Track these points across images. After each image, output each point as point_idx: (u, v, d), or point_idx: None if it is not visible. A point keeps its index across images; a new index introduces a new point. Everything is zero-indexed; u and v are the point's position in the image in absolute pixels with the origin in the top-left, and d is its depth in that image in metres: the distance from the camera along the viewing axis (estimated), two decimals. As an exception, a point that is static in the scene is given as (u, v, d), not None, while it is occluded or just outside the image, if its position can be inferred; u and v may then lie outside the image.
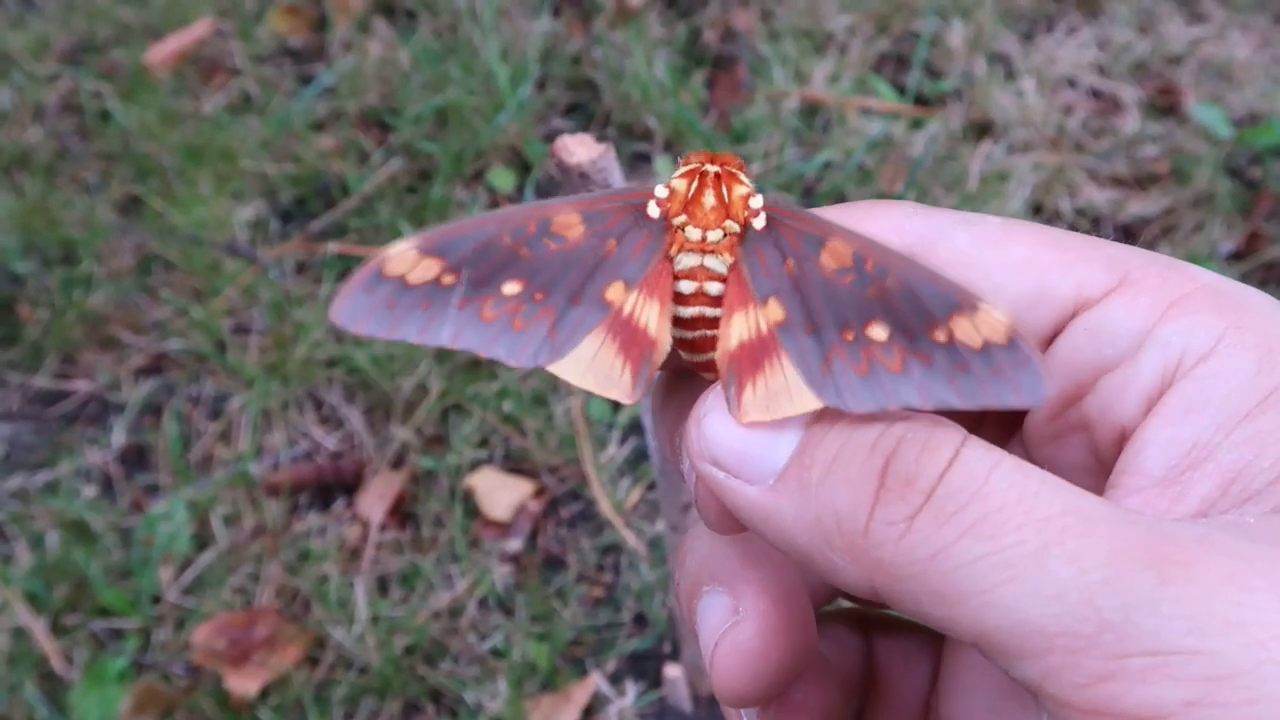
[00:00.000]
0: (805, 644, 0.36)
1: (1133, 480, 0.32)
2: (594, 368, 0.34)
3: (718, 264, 0.35)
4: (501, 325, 0.34)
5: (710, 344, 0.35)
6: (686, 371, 0.37)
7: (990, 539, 0.28)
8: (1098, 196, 1.51)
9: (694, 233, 0.35)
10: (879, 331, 0.32)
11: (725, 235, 0.35)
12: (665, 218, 0.35)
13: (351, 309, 0.33)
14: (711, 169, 0.36)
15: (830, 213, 0.37)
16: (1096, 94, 1.63)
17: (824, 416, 0.32)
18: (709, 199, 0.35)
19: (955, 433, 0.30)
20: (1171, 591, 0.26)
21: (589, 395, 1.30)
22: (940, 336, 0.32)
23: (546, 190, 1.51)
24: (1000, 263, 0.35)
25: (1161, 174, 1.53)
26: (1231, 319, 0.32)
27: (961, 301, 0.32)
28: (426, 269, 0.34)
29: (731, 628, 0.35)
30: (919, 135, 1.55)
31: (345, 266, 1.46)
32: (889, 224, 0.37)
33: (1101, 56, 1.66)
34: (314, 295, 1.43)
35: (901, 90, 1.61)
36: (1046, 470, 0.37)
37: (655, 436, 0.39)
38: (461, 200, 1.51)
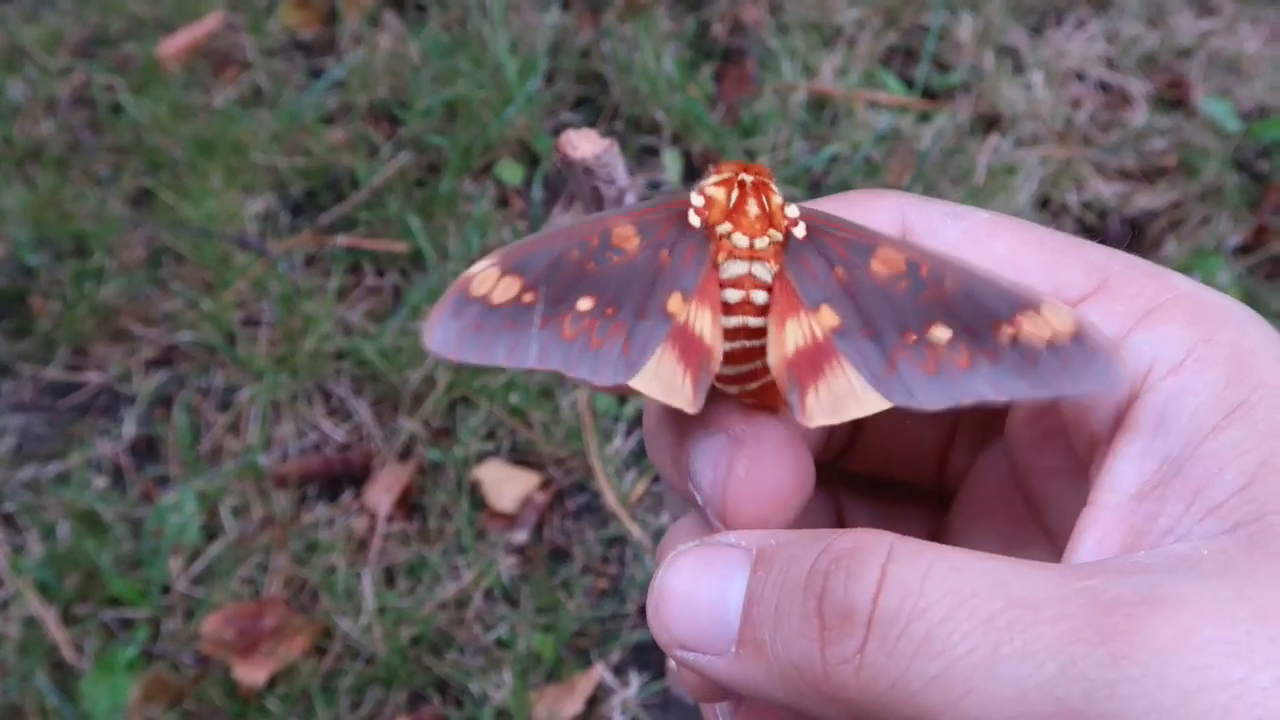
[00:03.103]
0: None
1: (1108, 497, 0.32)
2: (659, 376, 0.33)
3: (764, 272, 0.35)
4: (581, 343, 0.33)
5: (746, 355, 0.35)
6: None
7: (940, 655, 0.27)
8: (1105, 190, 1.51)
9: (741, 240, 0.35)
10: (942, 333, 0.33)
11: (770, 243, 0.35)
12: (706, 226, 0.35)
13: (443, 335, 0.32)
14: (748, 178, 0.36)
15: (828, 202, 0.37)
16: (1105, 87, 1.63)
17: (758, 565, 0.31)
18: (752, 207, 0.35)
19: (879, 549, 0.29)
20: (1125, 669, 0.25)
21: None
22: (1007, 334, 0.32)
23: (555, 184, 1.52)
24: (983, 260, 0.35)
25: (1169, 167, 1.53)
26: (1203, 330, 0.32)
27: (1027, 300, 0.32)
28: (508, 288, 0.33)
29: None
30: (927, 128, 1.55)
31: (354, 259, 1.47)
32: (885, 214, 0.37)
33: (1110, 50, 1.66)
34: (323, 288, 1.44)
35: (909, 83, 1.61)
36: (1031, 474, 0.38)
37: (654, 461, 0.39)
38: (470, 193, 1.52)
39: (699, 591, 0.32)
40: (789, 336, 0.34)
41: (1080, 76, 1.63)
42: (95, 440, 1.35)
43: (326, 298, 1.42)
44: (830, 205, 0.37)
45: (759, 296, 0.35)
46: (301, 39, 1.74)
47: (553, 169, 1.53)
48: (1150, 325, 0.33)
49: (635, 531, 1.23)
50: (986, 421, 0.40)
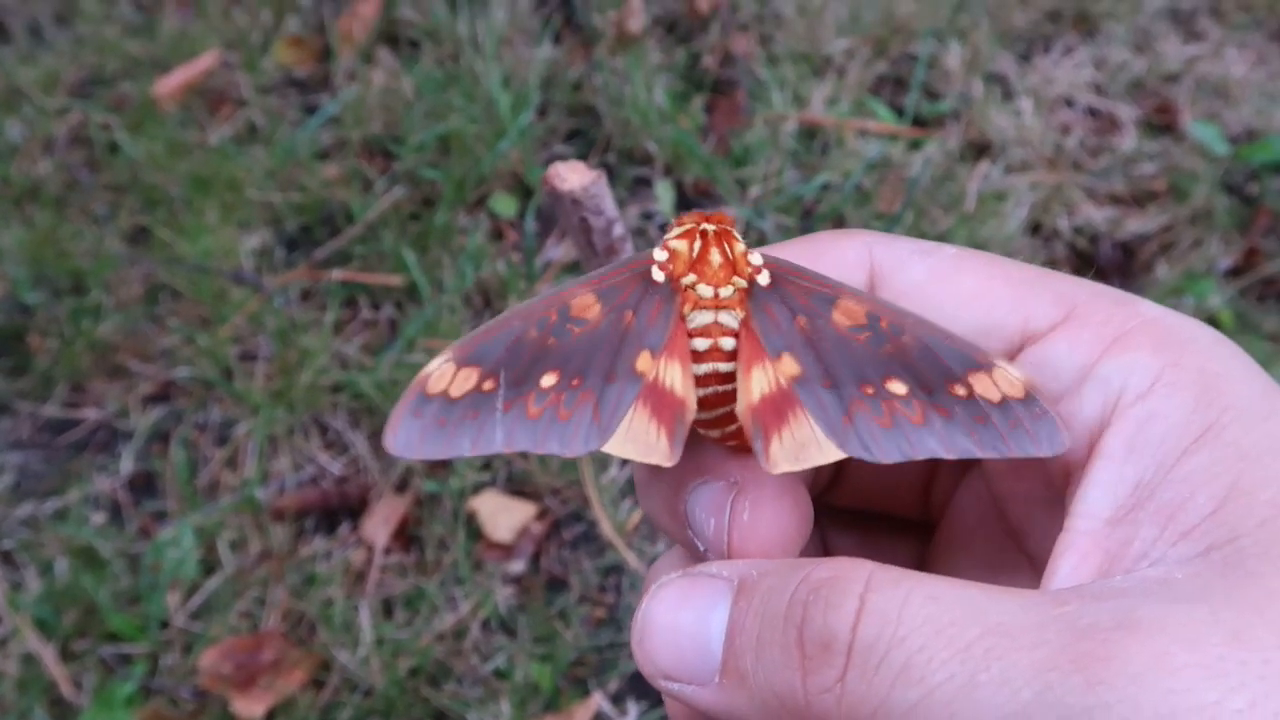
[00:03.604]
0: None
1: (1082, 523, 0.32)
2: (631, 436, 0.34)
3: (731, 319, 0.35)
4: (548, 418, 0.34)
5: (720, 400, 0.35)
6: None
7: (919, 683, 0.28)
8: (1096, 215, 1.51)
9: (706, 290, 0.35)
10: (898, 386, 0.34)
11: (735, 291, 0.35)
12: (671, 280, 0.36)
13: (405, 436, 0.33)
14: (710, 228, 0.36)
15: (795, 245, 0.38)
16: (1093, 113, 1.64)
17: (740, 595, 0.32)
18: (715, 256, 0.36)
19: (858, 578, 0.30)
20: (1100, 694, 0.26)
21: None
22: (959, 391, 0.33)
23: (548, 216, 1.53)
24: (952, 295, 0.36)
25: (1159, 191, 1.54)
26: (1170, 356, 0.33)
27: (979, 361, 0.33)
28: (465, 379, 0.34)
29: None
30: (917, 156, 1.56)
31: (349, 293, 1.48)
32: (851, 254, 0.37)
33: (1098, 76, 1.67)
34: (319, 322, 1.44)
35: (899, 112, 1.63)
36: (1009, 501, 0.38)
37: (648, 510, 0.39)
38: (464, 226, 1.52)
39: (682, 622, 0.32)
40: (755, 384, 0.34)
41: (1069, 103, 1.65)
42: (93, 476, 1.36)
43: (322, 331, 1.42)
44: (798, 247, 0.37)
45: (727, 343, 0.35)
46: (296, 76, 1.76)
47: (546, 201, 1.54)
48: (1118, 352, 0.33)
49: (632, 560, 1.24)
50: None
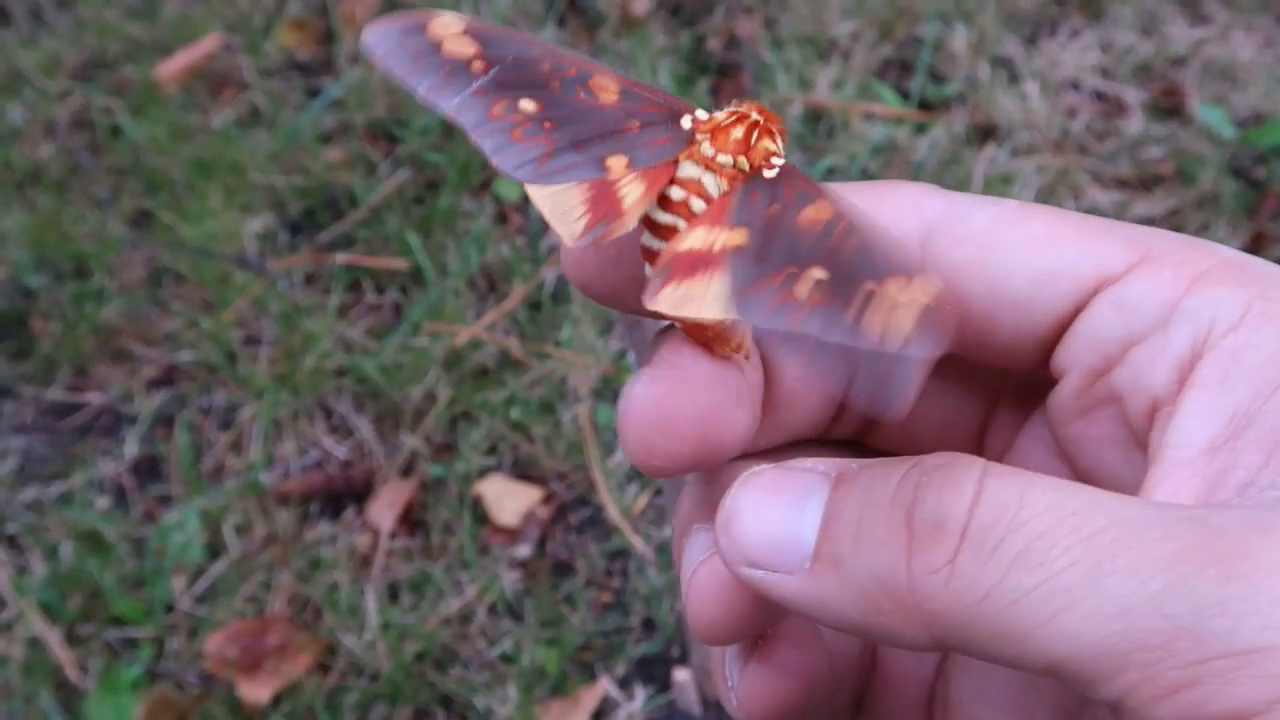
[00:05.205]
0: None
1: (1178, 452, 0.31)
2: (557, 198, 0.33)
3: (713, 185, 0.35)
4: (502, 126, 0.34)
5: None
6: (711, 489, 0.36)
7: (1039, 567, 0.27)
8: (1102, 198, 1.51)
9: (708, 149, 0.35)
10: (817, 273, 0.32)
11: (734, 165, 0.35)
12: (692, 133, 0.35)
13: (384, 41, 0.33)
14: (757, 118, 0.36)
15: (851, 190, 0.37)
16: (1100, 96, 1.63)
17: (839, 484, 0.31)
18: (737, 132, 0.35)
19: (974, 466, 0.29)
20: (1238, 588, 0.25)
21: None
22: (869, 287, 0.31)
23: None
24: (1020, 239, 0.35)
25: (1166, 175, 1.53)
26: (1256, 290, 0.32)
27: (906, 268, 0.32)
28: (463, 45, 0.34)
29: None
30: (923, 139, 1.55)
31: (353, 277, 1.47)
32: (908, 202, 0.37)
33: (1104, 59, 1.66)
34: (323, 306, 1.44)
35: (905, 95, 1.62)
36: (1080, 445, 0.38)
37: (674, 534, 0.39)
38: (469, 210, 1.52)
39: (774, 509, 0.31)
40: (692, 238, 0.34)
41: (1075, 86, 1.64)
42: (97, 460, 1.35)
43: (326, 315, 1.42)
44: (856, 192, 0.37)
45: (697, 205, 0.35)
46: (299, 59, 1.75)
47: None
48: (1202, 289, 0.33)
49: (638, 544, 1.23)
50: (1027, 396, 0.40)
